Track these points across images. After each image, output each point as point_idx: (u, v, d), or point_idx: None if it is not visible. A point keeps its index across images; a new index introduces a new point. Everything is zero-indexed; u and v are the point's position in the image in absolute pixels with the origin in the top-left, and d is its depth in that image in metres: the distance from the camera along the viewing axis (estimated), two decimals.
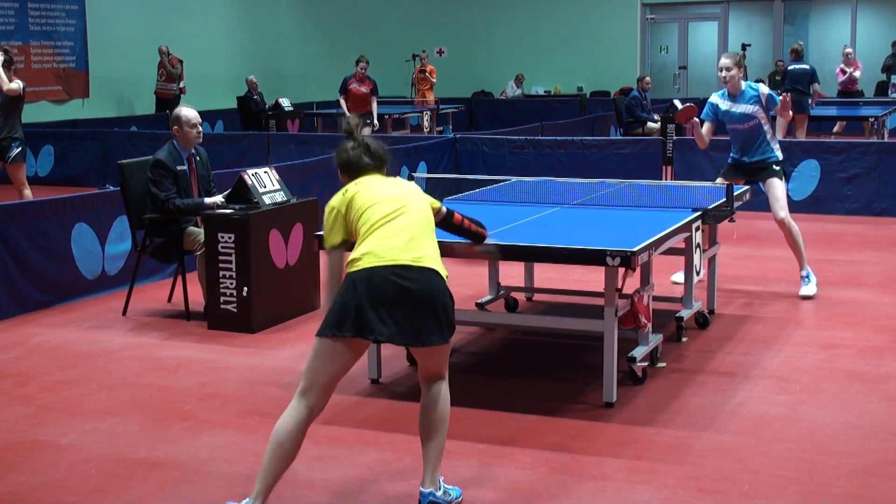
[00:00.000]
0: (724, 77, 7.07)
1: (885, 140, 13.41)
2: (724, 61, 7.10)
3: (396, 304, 3.64)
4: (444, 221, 4.30)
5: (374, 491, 4.09)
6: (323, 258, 4.27)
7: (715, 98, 7.23)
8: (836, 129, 15.65)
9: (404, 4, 24.27)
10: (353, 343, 3.71)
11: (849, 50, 17.35)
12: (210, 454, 4.47)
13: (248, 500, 3.71)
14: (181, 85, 17.97)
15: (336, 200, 4.00)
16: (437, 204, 4.18)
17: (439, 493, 3.81)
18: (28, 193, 9.72)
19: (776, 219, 7.13)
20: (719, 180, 7.11)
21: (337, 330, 3.65)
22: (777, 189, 7.11)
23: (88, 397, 5.28)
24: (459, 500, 3.93)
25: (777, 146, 7.23)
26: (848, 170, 10.72)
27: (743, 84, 7.11)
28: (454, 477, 4.17)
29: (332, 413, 4.97)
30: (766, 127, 7.13)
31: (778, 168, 7.17)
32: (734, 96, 7.11)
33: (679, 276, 7.39)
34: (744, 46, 20.59)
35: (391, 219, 3.81)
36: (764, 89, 7.10)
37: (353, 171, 4.12)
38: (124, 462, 4.40)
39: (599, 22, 22.91)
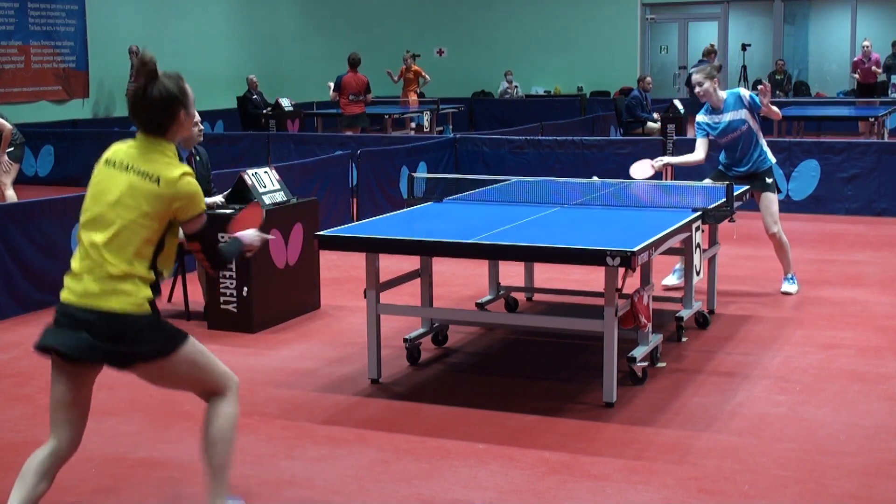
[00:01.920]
0: (699, 93, 6.94)
1: (885, 140, 13.41)
2: (696, 77, 6.96)
3: None
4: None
5: (374, 491, 4.09)
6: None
7: (702, 117, 7.07)
8: (861, 129, 15.64)
9: (404, 4, 24.27)
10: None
11: (866, 43, 17.37)
12: None
13: None
14: None
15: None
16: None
17: None
18: None
19: (768, 232, 7.13)
20: (707, 181, 7.08)
21: None
22: (771, 204, 7.07)
23: None
24: None
25: (769, 150, 7.16)
26: (848, 170, 10.72)
27: (723, 94, 6.99)
28: (455, 477, 4.18)
29: (332, 413, 4.98)
30: (757, 131, 7.05)
31: (770, 181, 7.10)
32: (717, 109, 6.99)
33: (669, 280, 7.33)
34: (744, 46, 20.63)
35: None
36: (745, 93, 7.03)
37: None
38: (124, 462, 4.40)
39: (599, 22, 22.91)
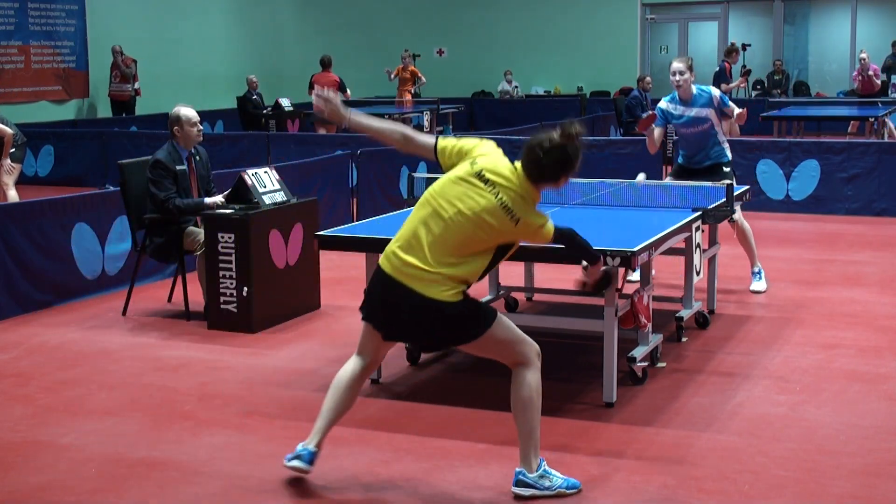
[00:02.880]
0: (678, 81, 6.97)
1: (885, 140, 13.41)
2: (678, 65, 7.00)
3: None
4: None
5: (374, 491, 4.09)
6: None
7: (665, 104, 7.13)
8: (850, 129, 15.62)
9: (404, 4, 24.27)
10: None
11: (864, 55, 17.33)
12: (210, 454, 4.47)
13: (303, 443, 4.09)
14: (136, 86, 17.83)
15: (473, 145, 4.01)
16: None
17: (532, 475, 3.90)
18: None
19: (729, 220, 7.13)
20: (668, 180, 7.13)
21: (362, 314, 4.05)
22: None
23: (88, 397, 5.28)
24: (569, 491, 3.95)
25: (727, 147, 7.20)
26: (848, 170, 10.73)
27: (694, 88, 7.03)
28: (455, 477, 4.18)
29: None
30: (718, 129, 7.09)
31: (728, 170, 7.15)
32: (686, 101, 7.03)
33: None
34: (744, 46, 20.59)
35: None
36: (716, 92, 7.06)
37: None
38: (124, 462, 4.40)
39: (599, 22, 22.91)
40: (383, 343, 4.09)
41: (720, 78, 14.32)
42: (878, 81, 17.22)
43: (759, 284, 7.28)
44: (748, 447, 4.46)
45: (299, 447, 4.11)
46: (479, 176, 3.83)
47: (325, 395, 4.12)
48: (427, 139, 4.10)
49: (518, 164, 3.87)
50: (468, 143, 3.99)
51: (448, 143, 4.01)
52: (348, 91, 15.80)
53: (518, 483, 3.95)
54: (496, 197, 3.79)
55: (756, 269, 7.35)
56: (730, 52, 15.45)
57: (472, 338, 3.88)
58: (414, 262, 3.80)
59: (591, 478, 4.17)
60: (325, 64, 15.95)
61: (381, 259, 3.90)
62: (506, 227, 3.81)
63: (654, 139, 7.16)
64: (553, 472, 3.97)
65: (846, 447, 4.45)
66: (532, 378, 3.92)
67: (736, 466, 4.26)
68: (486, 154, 3.92)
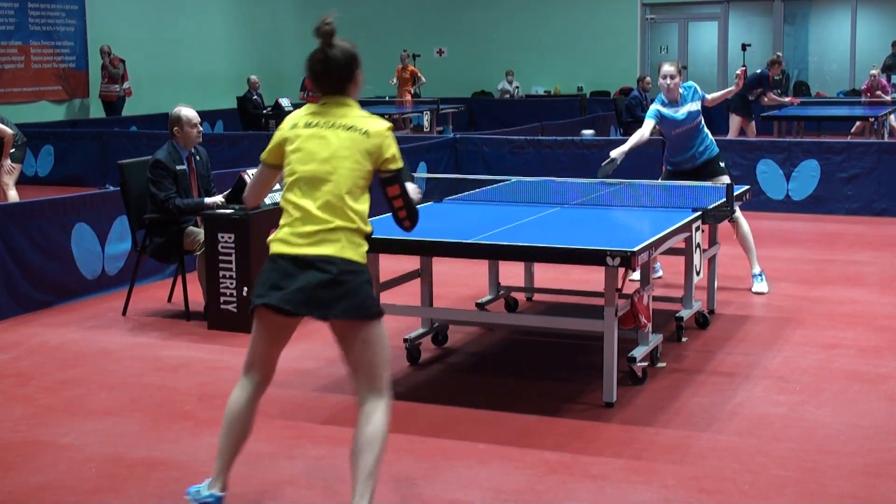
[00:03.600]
0: (669, 84, 7.06)
1: (885, 140, 13.40)
2: (669, 69, 7.09)
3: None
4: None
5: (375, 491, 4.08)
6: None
7: (658, 106, 7.19)
8: (854, 129, 15.58)
9: (404, 4, 24.27)
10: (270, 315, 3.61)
11: (874, 71, 17.31)
12: (210, 454, 4.46)
13: (207, 480, 3.78)
14: (125, 86, 17.80)
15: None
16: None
17: None
18: None
19: (729, 219, 7.16)
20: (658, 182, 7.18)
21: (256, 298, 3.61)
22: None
23: (88, 397, 5.28)
24: None
25: (713, 140, 7.27)
26: (848, 170, 10.73)
27: (679, 89, 7.12)
28: (455, 477, 4.18)
29: (332, 413, 4.98)
30: (703, 123, 7.20)
31: (722, 164, 7.23)
32: (675, 102, 7.11)
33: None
34: (744, 46, 20.61)
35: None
36: (696, 86, 7.20)
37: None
38: (124, 462, 4.41)
39: (599, 22, 22.91)
40: (276, 340, 3.71)
41: (763, 84, 14.30)
42: (889, 98, 17.13)
43: (761, 286, 7.27)
44: (748, 447, 4.46)
45: (203, 492, 3.73)
46: (306, 126, 3.61)
47: (223, 426, 3.74)
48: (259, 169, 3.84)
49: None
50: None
51: (266, 151, 3.75)
52: None
53: None
54: (331, 126, 3.57)
55: (757, 272, 7.33)
56: (773, 63, 15.48)
57: (370, 313, 3.51)
58: (311, 229, 3.49)
59: (591, 478, 4.17)
60: None
61: (277, 246, 3.55)
62: (362, 143, 3.54)
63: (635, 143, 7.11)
64: None
65: (846, 447, 4.45)
66: (387, 413, 3.54)
67: (736, 466, 4.26)
68: (289, 118, 3.72)
